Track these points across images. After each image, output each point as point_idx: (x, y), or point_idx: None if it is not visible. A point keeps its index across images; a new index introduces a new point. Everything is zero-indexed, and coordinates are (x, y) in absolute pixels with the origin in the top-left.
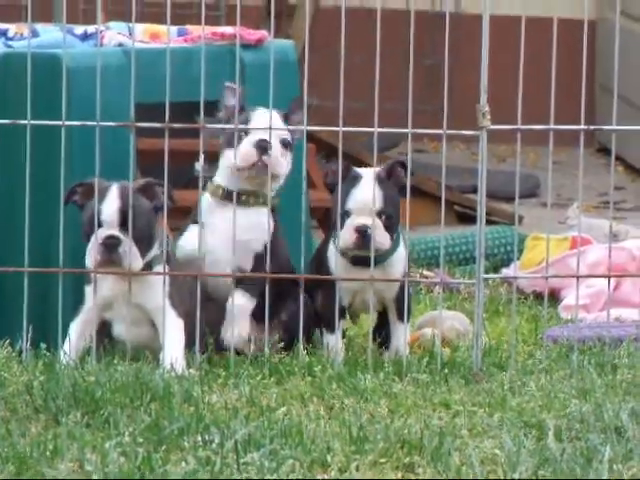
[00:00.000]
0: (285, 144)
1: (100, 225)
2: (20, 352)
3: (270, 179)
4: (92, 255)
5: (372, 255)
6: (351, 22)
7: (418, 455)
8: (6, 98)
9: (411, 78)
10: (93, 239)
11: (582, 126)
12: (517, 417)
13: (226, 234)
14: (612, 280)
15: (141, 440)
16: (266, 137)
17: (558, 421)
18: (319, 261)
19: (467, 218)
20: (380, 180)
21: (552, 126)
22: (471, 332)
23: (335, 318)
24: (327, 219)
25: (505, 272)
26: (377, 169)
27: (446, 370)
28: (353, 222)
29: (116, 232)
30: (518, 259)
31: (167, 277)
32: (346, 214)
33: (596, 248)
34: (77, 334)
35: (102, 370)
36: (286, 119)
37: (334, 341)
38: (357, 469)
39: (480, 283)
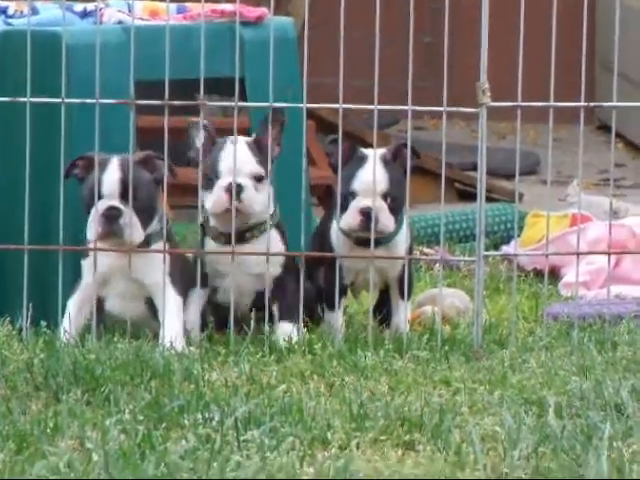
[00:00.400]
0: (259, 178)
1: (101, 197)
2: (20, 330)
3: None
4: (93, 227)
5: (372, 237)
6: None
7: (418, 432)
8: (6, 76)
9: (411, 55)
10: (94, 211)
11: (582, 103)
12: (517, 394)
13: (240, 273)
14: (612, 257)
15: (141, 418)
16: (237, 179)
17: (558, 398)
18: (322, 239)
19: (467, 195)
20: (385, 162)
21: (552, 103)
22: (471, 309)
23: (336, 296)
24: (328, 196)
25: (505, 249)
26: (383, 150)
27: (446, 347)
28: (358, 204)
29: (117, 203)
30: (518, 236)
31: (167, 255)
32: (351, 195)
33: (596, 225)
34: (76, 311)
35: (102, 348)
36: (259, 145)
37: (335, 319)
38: (357, 446)
39: (480, 260)
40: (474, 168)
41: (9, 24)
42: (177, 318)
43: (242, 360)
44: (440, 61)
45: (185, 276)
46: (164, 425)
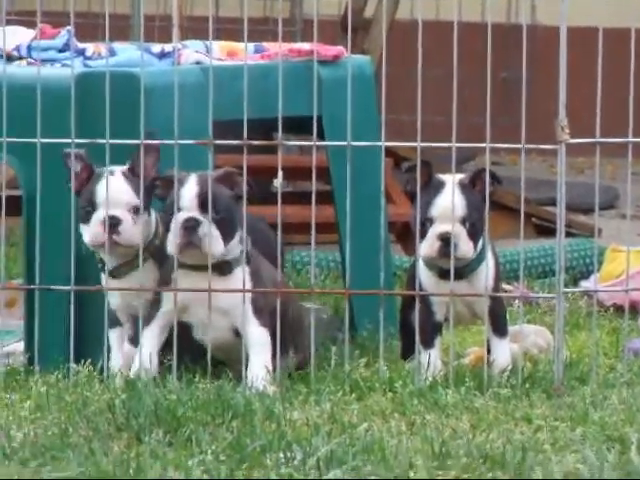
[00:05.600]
0: (136, 210)
1: (179, 210)
2: (101, 371)
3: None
4: (172, 240)
5: (452, 264)
6: (427, 35)
7: (500, 470)
8: (84, 117)
9: (489, 91)
10: (173, 224)
11: None
12: (599, 431)
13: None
14: None
15: (223, 458)
16: (114, 211)
17: None
18: (411, 276)
19: (545, 230)
20: (463, 187)
21: (630, 139)
22: (552, 346)
23: (429, 334)
24: (406, 234)
25: (584, 285)
26: (460, 176)
27: (527, 385)
28: (436, 230)
29: (195, 214)
30: (597, 271)
31: (250, 281)
32: (429, 222)
33: None
34: (151, 340)
35: (183, 388)
36: (133, 172)
37: (431, 358)
38: None
39: (560, 297)
40: (551, 203)
41: (87, 66)
42: (260, 353)
43: (323, 399)
44: (516, 96)
45: (270, 302)
46: (246, 465)
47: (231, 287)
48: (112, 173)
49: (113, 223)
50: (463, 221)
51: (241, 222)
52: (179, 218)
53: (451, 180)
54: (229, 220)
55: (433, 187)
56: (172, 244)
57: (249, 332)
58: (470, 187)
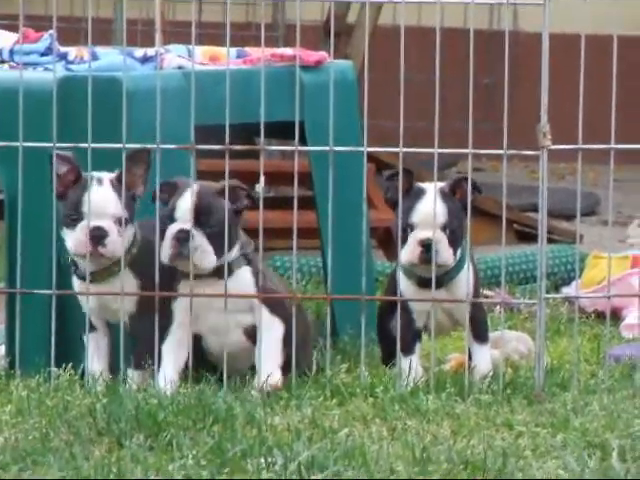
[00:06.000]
0: (121, 222)
1: (174, 221)
2: (82, 375)
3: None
4: (165, 249)
5: (433, 269)
6: (409, 41)
7: (481, 476)
8: (66, 121)
9: (471, 97)
10: (167, 234)
11: None
12: (580, 437)
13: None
14: None
15: (204, 463)
16: (100, 222)
17: (622, 441)
18: (390, 285)
19: (526, 236)
20: (444, 194)
21: (613, 145)
22: (534, 352)
23: (409, 340)
24: (387, 239)
25: (566, 291)
26: (441, 184)
27: (508, 391)
28: (416, 236)
29: (187, 227)
30: (579, 277)
31: (253, 280)
32: (410, 228)
33: None
34: (172, 358)
35: (165, 392)
36: (119, 180)
37: (411, 364)
38: None
39: (542, 303)
40: (533, 209)
41: (70, 70)
42: (274, 348)
43: (304, 404)
44: (498, 102)
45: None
46: (227, 470)
47: (233, 289)
48: (100, 181)
49: (99, 234)
50: (444, 228)
51: (238, 234)
52: (172, 229)
53: (432, 187)
54: (223, 234)
55: (414, 194)
56: (164, 253)
57: (264, 322)
58: (451, 194)
